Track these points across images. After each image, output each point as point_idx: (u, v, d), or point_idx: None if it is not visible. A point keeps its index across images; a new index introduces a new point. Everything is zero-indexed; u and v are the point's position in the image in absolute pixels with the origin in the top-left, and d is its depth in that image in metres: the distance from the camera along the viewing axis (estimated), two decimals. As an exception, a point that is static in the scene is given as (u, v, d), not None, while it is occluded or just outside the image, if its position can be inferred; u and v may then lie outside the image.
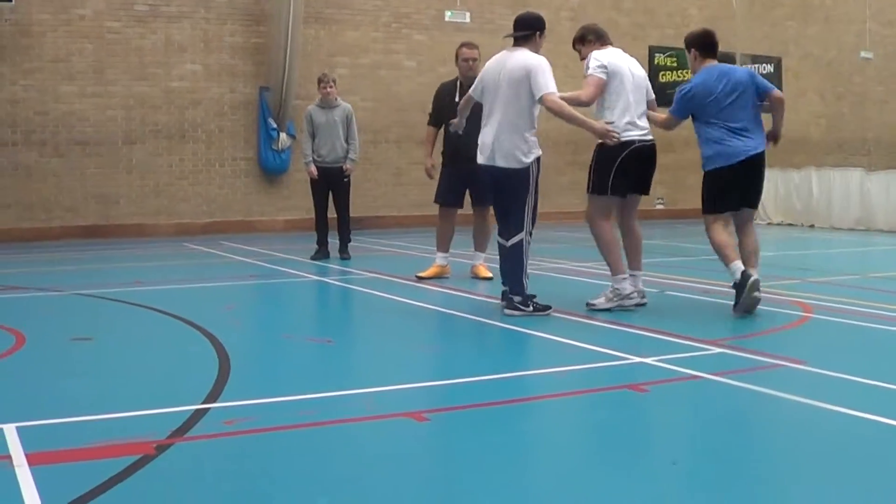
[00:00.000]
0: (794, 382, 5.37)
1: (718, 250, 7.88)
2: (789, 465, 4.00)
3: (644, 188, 8.20)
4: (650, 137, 8.00)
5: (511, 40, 7.94)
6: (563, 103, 7.54)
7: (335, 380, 5.70)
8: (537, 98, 7.56)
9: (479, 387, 5.45)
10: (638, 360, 5.96)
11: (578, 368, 5.93)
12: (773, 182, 19.51)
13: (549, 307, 7.74)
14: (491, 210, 8.45)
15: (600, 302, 7.94)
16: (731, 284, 7.73)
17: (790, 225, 18.78)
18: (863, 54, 23.89)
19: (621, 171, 7.85)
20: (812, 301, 8.25)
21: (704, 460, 4.09)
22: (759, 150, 7.86)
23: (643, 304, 8.06)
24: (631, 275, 8.14)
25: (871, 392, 5.15)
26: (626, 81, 7.93)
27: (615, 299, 7.93)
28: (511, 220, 7.76)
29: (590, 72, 7.86)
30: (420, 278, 9.98)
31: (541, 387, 5.55)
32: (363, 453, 4.19)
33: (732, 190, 7.94)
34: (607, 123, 7.70)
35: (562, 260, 11.61)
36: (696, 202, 8.47)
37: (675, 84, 21.37)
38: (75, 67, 16.76)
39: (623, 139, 7.74)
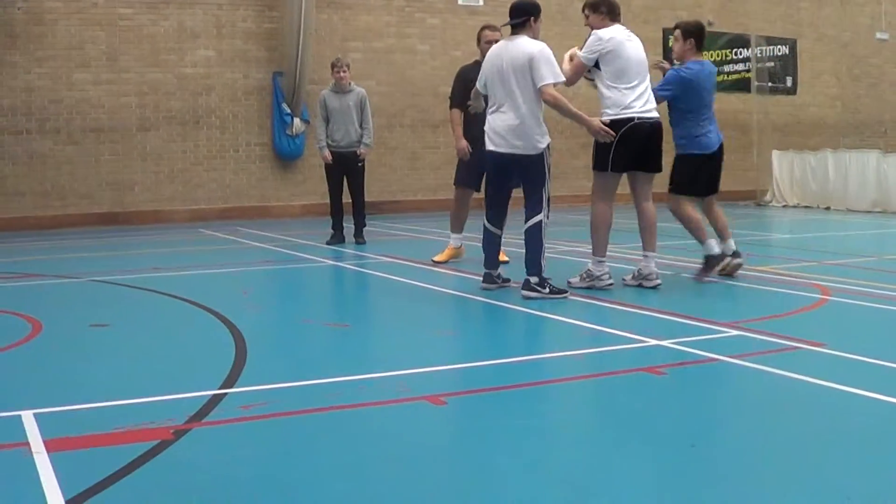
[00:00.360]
0: (813, 365, 5.34)
1: (692, 227, 8.49)
2: (807, 447, 3.98)
3: (650, 166, 8.19)
4: (652, 115, 8.04)
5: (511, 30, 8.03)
6: (560, 97, 7.71)
7: (352, 364, 5.69)
8: (537, 88, 7.65)
9: (496, 370, 5.46)
10: (655, 342, 5.94)
11: (595, 351, 5.94)
12: (789, 164, 19.43)
13: (565, 291, 7.76)
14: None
15: (575, 281, 8.15)
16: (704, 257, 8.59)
17: (806, 207, 18.70)
18: (878, 35, 23.74)
19: (621, 147, 7.90)
20: (829, 283, 8.21)
21: (723, 443, 4.08)
22: (722, 141, 8.65)
23: (657, 286, 8.06)
24: (644, 255, 8.19)
25: (890, 374, 5.12)
26: (628, 58, 7.99)
27: (587, 279, 8.10)
28: (529, 203, 7.83)
29: (581, 53, 7.95)
30: (436, 262, 9.99)
31: (558, 370, 5.53)
32: (381, 437, 4.19)
33: (705, 176, 8.60)
34: (603, 122, 7.85)
35: (577, 242, 11.58)
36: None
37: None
38: (88, 55, 16.78)
39: (623, 116, 7.88)
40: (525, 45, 7.74)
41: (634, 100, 7.89)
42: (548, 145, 7.82)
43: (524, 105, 7.70)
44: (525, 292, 7.72)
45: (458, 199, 10.25)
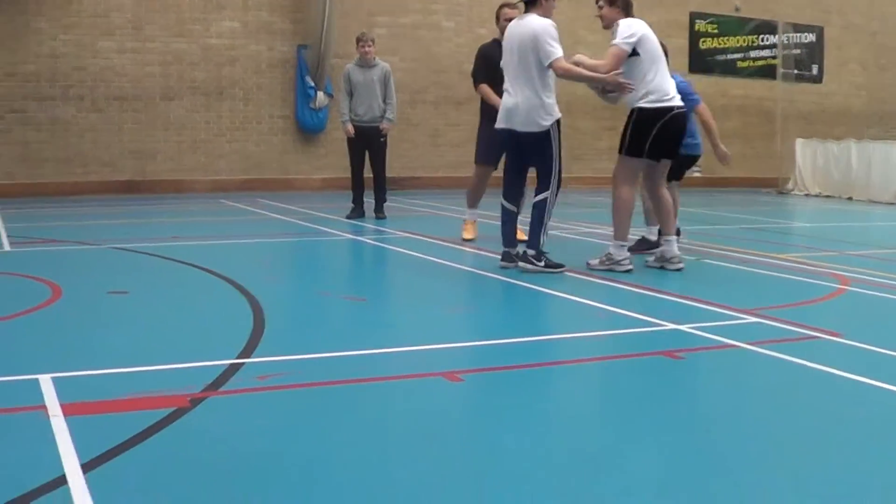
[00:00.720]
0: (829, 354, 5.32)
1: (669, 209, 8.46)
2: (822, 436, 3.97)
3: (674, 153, 8.30)
4: (682, 103, 8.07)
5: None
6: (571, 67, 7.88)
7: (369, 338, 5.70)
8: (546, 65, 7.78)
9: (513, 349, 5.45)
10: (673, 326, 5.93)
11: (614, 333, 5.93)
12: (812, 153, 19.30)
13: (561, 265, 7.92)
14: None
15: (595, 263, 8.14)
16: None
17: (828, 197, 18.56)
18: (906, 27, 23.54)
19: (659, 136, 7.87)
20: (849, 274, 8.17)
21: (737, 429, 4.06)
22: None
23: (680, 269, 8.07)
24: (666, 239, 8.19)
25: (908, 365, 5.11)
26: (657, 47, 8.01)
27: (607, 262, 8.09)
28: (538, 180, 7.99)
29: (616, 41, 7.90)
30: (466, 240, 10.05)
31: (576, 350, 5.53)
32: (397, 412, 4.21)
33: None
34: (643, 109, 7.87)
35: (598, 224, 11.56)
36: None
37: (716, 51, 21.22)
38: (114, 23, 16.78)
39: (665, 104, 7.85)
40: (532, 22, 7.86)
41: (670, 86, 7.93)
42: (557, 123, 7.90)
43: (528, 83, 7.85)
44: (521, 264, 7.93)
45: (478, 176, 10.28)
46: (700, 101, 9.17)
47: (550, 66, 7.76)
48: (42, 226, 11.75)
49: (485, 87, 9.91)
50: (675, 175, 9.16)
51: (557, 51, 7.74)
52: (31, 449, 3.60)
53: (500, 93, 8.90)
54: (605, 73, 7.84)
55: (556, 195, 7.95)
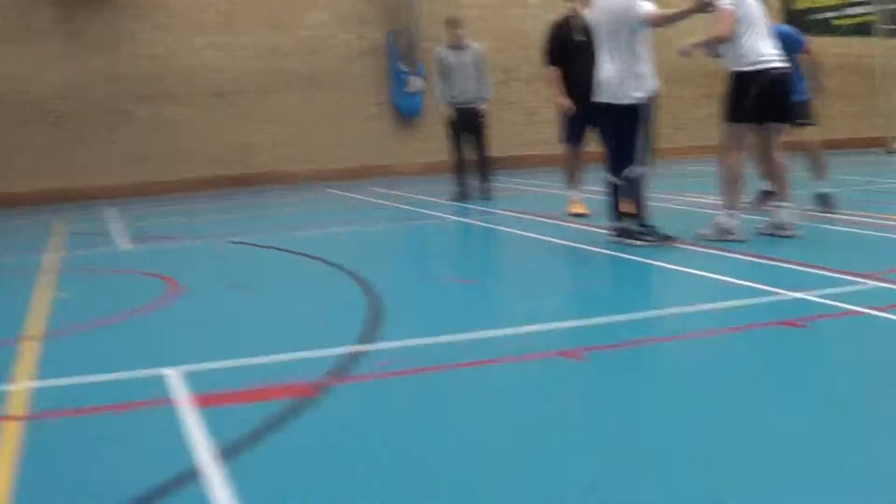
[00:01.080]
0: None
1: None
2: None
3: (782, 116, 8.08)
4: (783, 64, 7.87)
5: None
6: (663, 11, 7.95)
7: (488, 319, 5.71)
8: (641, 23, 7.77)
9: (632, 325, 5.41)
10: (793, 294, 5.81)
11: (733, 304, 5.81)
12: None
13: (670, 237, 7.84)
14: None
15: (705, 233, 8.00)
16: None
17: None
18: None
19: (758, 98, 7.71)
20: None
21: (873, 398, 3.96)
22: None
23: (793, 236, 7.92)
24: (778, 206, 8.04)
25: None
26: (753, 7, 7.85)
27: (718, 232, 7.93)
28: (623, 155, 7.93)
29: (719, 3, 7.75)
30: (578, 215, 10.01)
31: (697, 323, 5.43)
32: (524, 392, 4.20)
33: None
34: (738, 73, 7.75)
35: (699, 194, 11.40)
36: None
37: (812, 10, 20.74)
38: (206, 20, 17.05)
39: (759, 67, 7.71)
40: None
41: (767, 47, 7.75)
42: (648, 97, 7.87)
43: (619, 54, 7.84)
44: (628, 241, 7.84)
45: (569, 155, 10.29)
46: (804, 43, 9.15)
47: (645, 21, 7.75)
48: (155, 223, 12.01)
49: (551, 72, 9.91)
50: (807, 120, 9.35)
51: (646, 5, 7.77)
52: (164, 441, 3.68)
53: (574, 67, 9.28)
54: (727, 38, 7.72)
55: (645, 166, 7.92)
